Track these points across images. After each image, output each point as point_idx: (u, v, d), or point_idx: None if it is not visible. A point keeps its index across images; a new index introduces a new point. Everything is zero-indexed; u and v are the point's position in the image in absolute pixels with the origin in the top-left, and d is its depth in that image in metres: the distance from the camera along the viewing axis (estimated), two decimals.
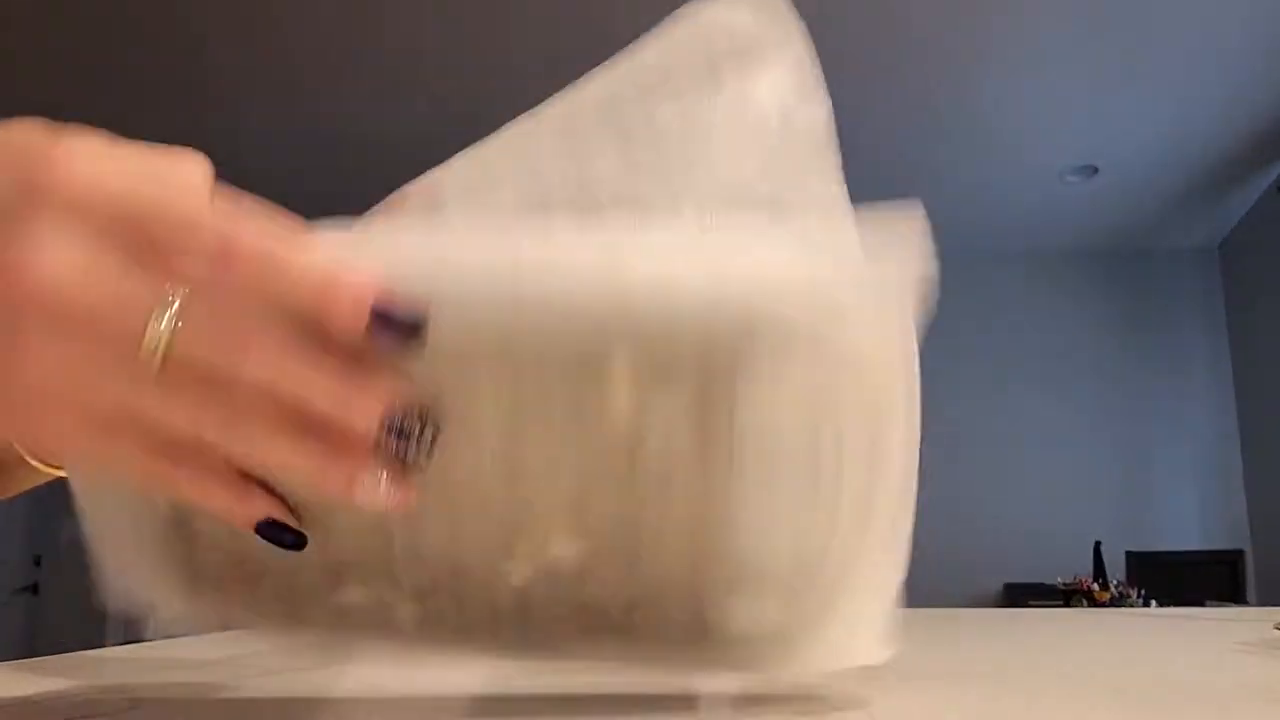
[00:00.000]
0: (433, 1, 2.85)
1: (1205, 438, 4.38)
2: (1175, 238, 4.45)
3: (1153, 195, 4.04)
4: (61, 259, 0.20)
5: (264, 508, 0.24)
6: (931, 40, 3.04)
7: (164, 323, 0.21)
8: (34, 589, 4.79)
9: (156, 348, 0.21)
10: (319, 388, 0.22)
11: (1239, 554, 3.84)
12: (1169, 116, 3.45)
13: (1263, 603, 3.90)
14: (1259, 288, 4.15)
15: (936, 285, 0.31)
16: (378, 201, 0.40)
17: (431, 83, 3.26)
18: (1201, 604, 3.24)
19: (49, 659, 0.47)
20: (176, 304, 0.21)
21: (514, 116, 0.42)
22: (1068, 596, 3.52)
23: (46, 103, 3.33)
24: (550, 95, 0.38)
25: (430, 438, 0.22)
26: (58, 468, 0.29)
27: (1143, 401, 4.44)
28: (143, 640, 0.60)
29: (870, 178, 4.16)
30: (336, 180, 3.93)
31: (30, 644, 4.69)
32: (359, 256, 0.23)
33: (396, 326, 0.22)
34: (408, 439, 0.22)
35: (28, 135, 0.22)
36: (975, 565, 4.25)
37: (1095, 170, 3.85)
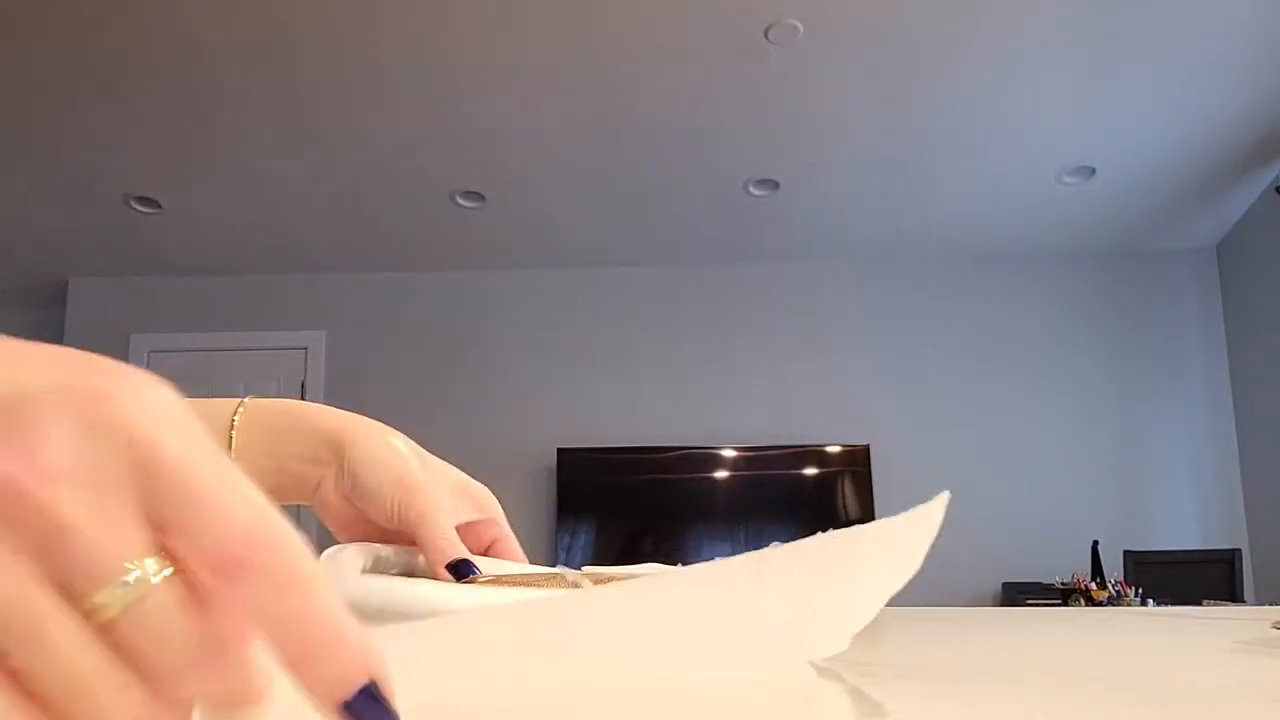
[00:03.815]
0: (434, 5, 2.85)
1: (1203, 437, 4.38)
2: (1173, 238, 4.45)
3: (1151, 196, 4.05)
4: (69, 462, 0.18)
5: None
6: (929, 40, 3.04)
7: (132, 584, 0.18)
8: None
9: (109, 600, 0.18)
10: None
11: (1236, 553, 3.84)
12: (1167, 117, 3.45)
13: (1260, 602, 3.90)
14: (1257, 288, 4.15)
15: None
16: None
17: (433, 86, 3.26)
18: (1199, 603, 3.24)
19: None
20: (159, 578, 0.19)
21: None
22: (1065, 596, 3.52)
23: (47, 104, 3.33)
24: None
25: None
26: None
27: (1140, 401, 4.44)
28: None
29: (871, 178, 4.20)
30: (338, 182, 3.93)
31: None
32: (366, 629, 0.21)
33: (372, 714, 0.20)
34: None
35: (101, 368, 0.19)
36: (973, 564, 4.25)
37: (1093, 171, 3.85)
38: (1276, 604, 3.72)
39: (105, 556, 0.18)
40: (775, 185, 4.00)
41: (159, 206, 4.12)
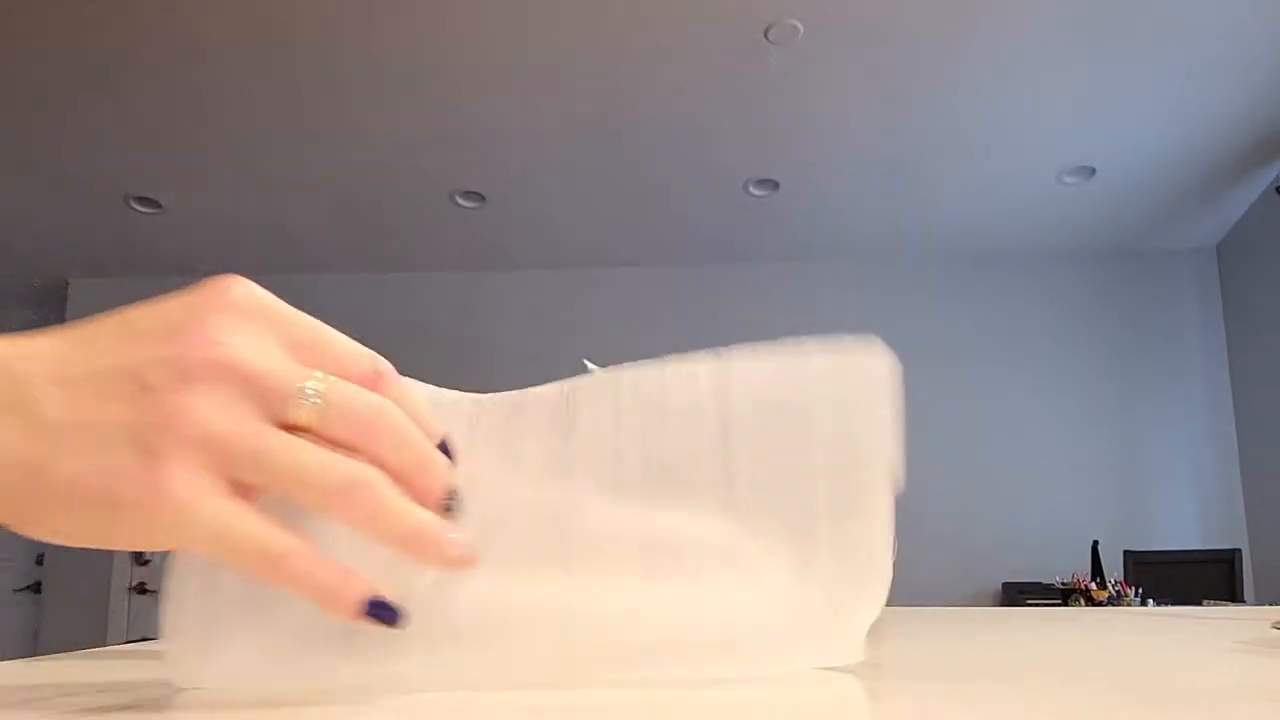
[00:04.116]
0: (434, 5, 2.85)
1: (1203, 437, 4.38)
2: (1173, 238, 4.45)
3: (1151, 196, 4.05)
4: (238, 342, 0.27)
5: (366, 589, 0.28)
6: (929, 40, 3.04)
7: (309, 395, 0.27)
8: (36, 588, 4.79)
9: (299, 408, 0.27)
10: (415, 469, 0.29)
11: (1236, 553, 3.84)
12: (1167, 117, 3.45)
13: (1260, 602, 3.90)
14: (1257, 288, 4.15)
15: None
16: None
17: (433, 86, 3.26)
18: (1199, 603, 3.24)
19: (51, 657, 0.48)
20: (325, 386, 0.28)
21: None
22: (1065, 596, 3.52)
23: (47, 104, 3.33)
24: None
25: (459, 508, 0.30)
26: None
27: (1140, 401, 4.45)
28: (145, 639, 0.60)
29: (871, 178, 4.19)
30: (337, 182, 3.93)
31: (33, 642, 4.69)
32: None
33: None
34: (453, 510, 0.30)
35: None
36: (973, 564, 4.26)
37: (1093, 171, 3.85)
38: (1276, 604, 3.72)
39: (285, 382, 0.27)
40: (775, 185, 4.00)
41: (159, 206, 4.12)
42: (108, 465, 0.25)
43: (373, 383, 0.29)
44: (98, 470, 0.25)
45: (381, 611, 0.28)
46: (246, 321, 0.28)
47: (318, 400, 0.27)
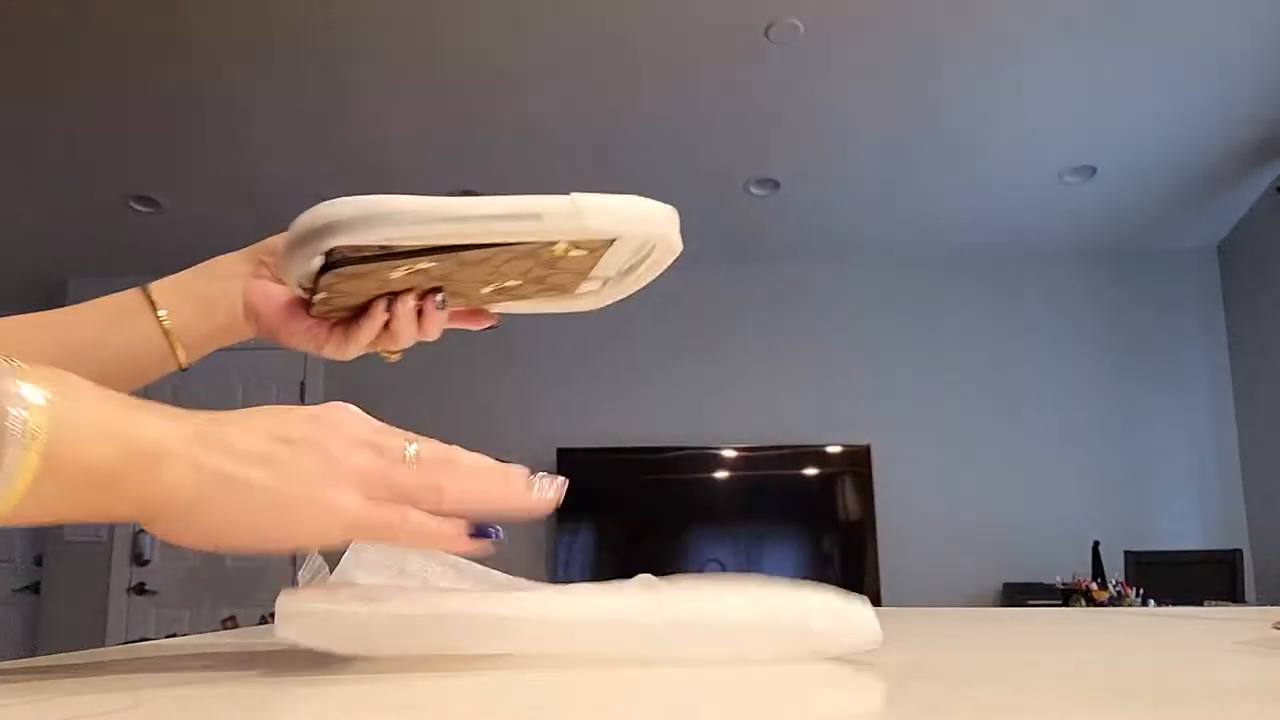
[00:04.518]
0: (435, 5, 2.85)
1: (1204, 437, 4.38)
2: (1175, 238, 4.45)
3: (1152, 195, 4.05)
4: (372, 459, 0.41)
5: (464, 525, 0.43)
6: (930, 40, 3.04)
7: (409, 454, 0.41)
8: (35, 588, 4.79)
9: (407, 457, 0.41)
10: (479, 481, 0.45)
11: (1237, 553, 3.84)
12: (1168, 116, 3.45)
13: (1261, 602, 3.90)
14: (1259, 288, 4.15)
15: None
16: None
17: (433, 86, 3.26)
18: (1199, 603, 3.24)
19: (50, 658, 0.48)
20: (415, 448, 0.42)
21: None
22: (1066, 596, 3.52)
23: (48, 104, 3.33)
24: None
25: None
26: None
27: (1141, 401, 4.44)
28: (144, 640, 0.60)
29: (871, 177, 4.19)
30: (337, 182, 3.93)
31: (32, 643, 4.69)
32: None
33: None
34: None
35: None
36: (974, 565, 4.25)
37: (1094, 170, 3.85)
38: (1277, 604, 3.72)
39: (396, 443, 0.42)
40: (775, 185, 4.00)
41: (159, 206, 4.12)
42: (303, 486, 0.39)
43: (444, 451, 0.43)
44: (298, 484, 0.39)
45: (480, 533, 0.42)
46: (376, 448, 0.42)
47: (415, 448, 0.42)
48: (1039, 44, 3.05)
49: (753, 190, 4.04)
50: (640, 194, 0.59)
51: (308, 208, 0.56)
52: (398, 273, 0.56)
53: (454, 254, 0.54)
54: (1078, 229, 4.36)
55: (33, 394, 0.32)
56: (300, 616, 0.37)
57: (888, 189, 4.02)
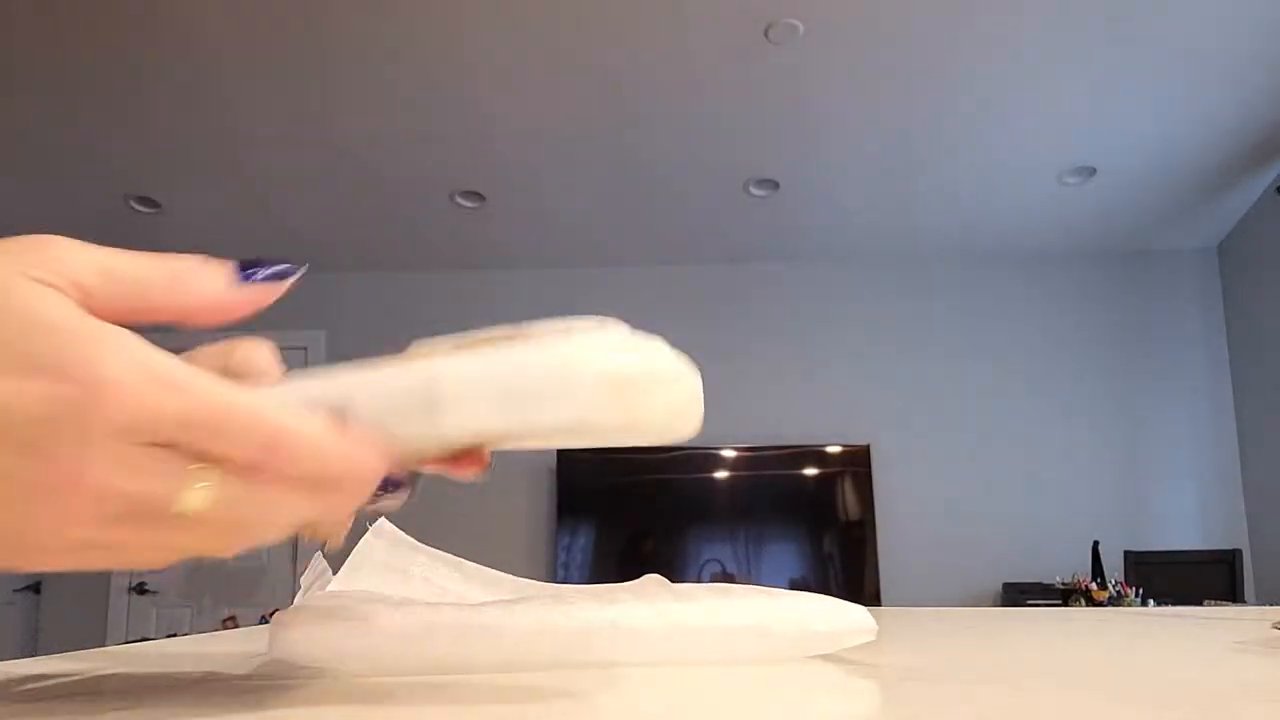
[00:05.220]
0: (435, 4, 2.85)
1: (1204, 437, 4.38)
2: (1174, 238, 4.45)
3: (1152, 196, 4.05)
4: (110, 471, 0.24)
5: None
6: (930, 40, 3.04)
7: (195, 494, 0.25)
8: (36, 588, 4.79)
9: (181, 510, 0.25)
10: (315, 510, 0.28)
11: (1237, 553, 3.85)
12: (1168, 117, 3.45)
13: (1260, 602, 3.90)
14: (1258, 288, 4.15)
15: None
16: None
17: (432, 85, 3.26)
18: (1199, 603, 3.24)
19: (50, 658, 0.48)
20: (209, 483, 0.25)
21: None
22: (1066, 596, 3.52)
23: (47, 103, 3.33)
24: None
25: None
26: None
27: (1141, 401, 4.44)
28: (144, 640, 0.60)
29: (871, 177, 4.19)
30: (337, 182, 3.93)
31: (33, 642, 4.69)
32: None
33: (393, 489, 0.31)
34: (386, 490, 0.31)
35: (61, 342, 0.23)
36: (974, 565, 4.25)
37: (1094, 171, 3.85)
38: (1277, 604, 3.72)
39: (157, 496, 0.24)
40: (775, 185, 4.00)
41: (159, 206, 4.12)
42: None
43: (261, 468, 0.26)
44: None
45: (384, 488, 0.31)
46: (126, 439, 0.24)
47: (198, 497, 0.25)
48: (1039, 44, 3.05)
49: (753, 190, 4.03)
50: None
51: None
52: None
53: None
54: (1078, 229, 4.36)
55: None
56: (293, 643, 0.35)
57: (888, 189, 4.02)
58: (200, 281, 0.28)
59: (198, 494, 0.25)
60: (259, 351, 0.32)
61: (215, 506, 0.25)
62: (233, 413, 0.25)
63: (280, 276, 0.29)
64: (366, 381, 0.29)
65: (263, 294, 0.29)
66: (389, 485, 0.31)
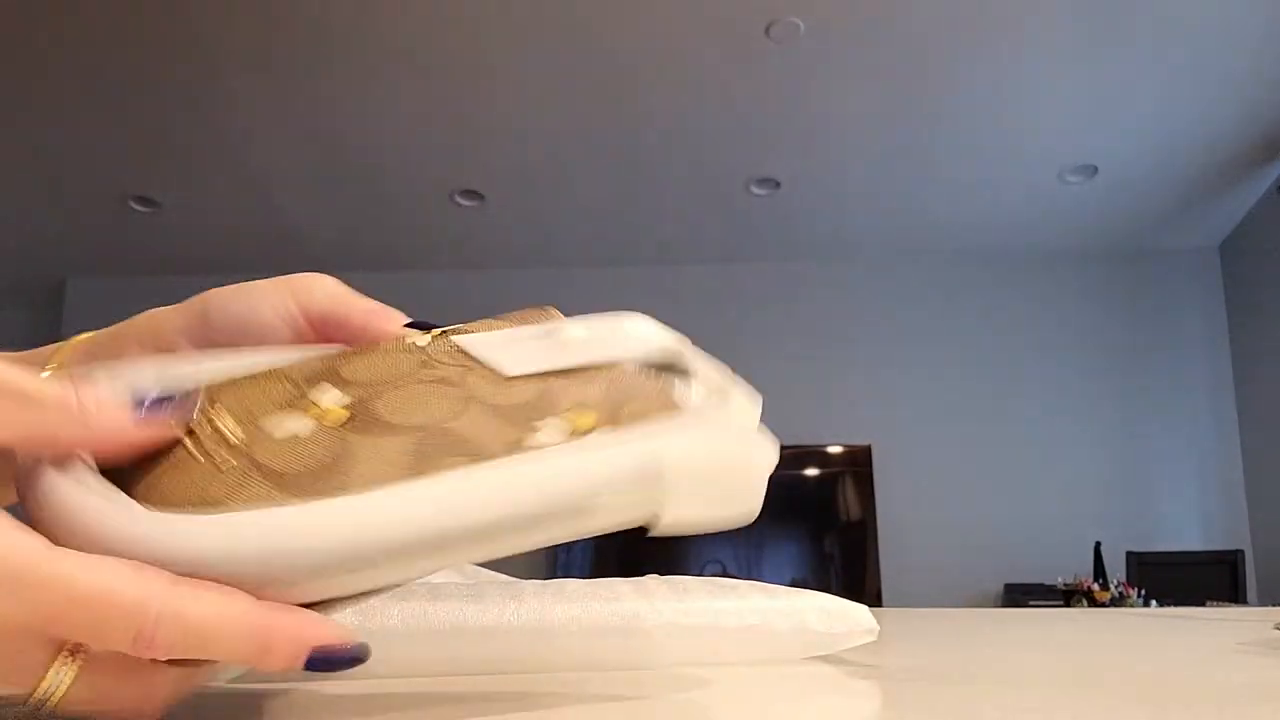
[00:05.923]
0: (435, 4, 2.85)
1: (1205, 438, 4.38)
2: (1175, 238, 4.45)
3: (1153, 195, 4.04)
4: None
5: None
6: (931, 39, 3.04)
7: (55, 685, 0.23)
8: None
9: (44, 698, 0.23)
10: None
11: (1239, 554, 3.84)
12: (1170, 116, 3.45)
13: (1262, 603, 3.90)
14: (1259, 288, 4.15)
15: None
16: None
17: (432, 86, 3.26)
18: (1201, 604, 3.24)
19: None
20: (72, 672, 0.23)
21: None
22: (1068, 597, 3.52)
23: (47, 103, 3.33)
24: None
25: None
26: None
27: (1143, 401, 4.44)
28: None
29: (872, 177, 4.19)
30: (337, 181, 3.93)
31: None
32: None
33: (335, 662, 0.24)
34: None
35: None
36: (975, 566, 4.25)
37: (1095, 170, 3.85)
38: (1279, 605, 3.71)
39: (20, 686, 0.22)
40: (775, 185, 4.00)
41: (158, 206, 4.12)
42: None
43: (136, 654, 0.22)
44: None
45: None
46: None
47: (53, 697, 0.23)
48: (1039, 44, 3.05)
49: (753, 190, 4.03)
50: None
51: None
52: None
53: None
54: (1079, 229, 4.36)
55: None
56: None
57: (888, 189, 4.02)
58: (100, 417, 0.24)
59: (56, 685, 0.22)
60: (322, 284, 0.32)
61: (73, 697, 0.23)
62: (108, 600, 0.22)
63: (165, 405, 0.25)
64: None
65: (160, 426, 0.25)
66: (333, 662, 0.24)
